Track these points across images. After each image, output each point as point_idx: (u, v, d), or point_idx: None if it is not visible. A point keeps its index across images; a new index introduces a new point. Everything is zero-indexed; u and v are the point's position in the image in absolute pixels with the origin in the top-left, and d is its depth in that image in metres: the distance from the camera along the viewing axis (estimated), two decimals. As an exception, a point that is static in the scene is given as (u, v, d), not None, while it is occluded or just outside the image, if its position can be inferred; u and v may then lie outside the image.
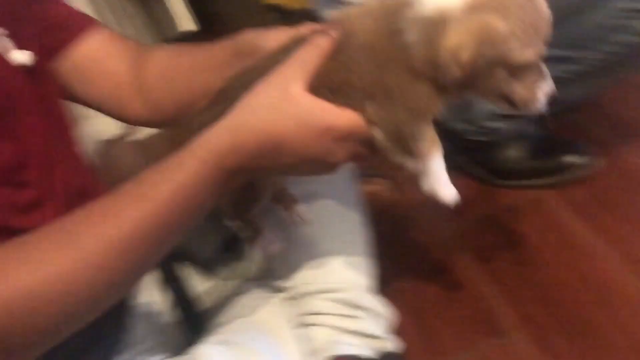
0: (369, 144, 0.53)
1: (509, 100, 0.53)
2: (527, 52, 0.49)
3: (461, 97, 0.54)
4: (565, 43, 0.87)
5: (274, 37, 0.59)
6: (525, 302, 0.82)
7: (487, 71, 0.50)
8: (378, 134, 0.52)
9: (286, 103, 0.50)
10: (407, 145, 0.52)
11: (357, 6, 0.56)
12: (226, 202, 0.62)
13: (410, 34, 0.49)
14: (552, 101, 0.53)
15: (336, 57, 0.52)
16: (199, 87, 0.63)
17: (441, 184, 0.53)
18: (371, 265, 0.70)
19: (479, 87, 0.52)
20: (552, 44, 0.51)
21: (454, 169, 1.09)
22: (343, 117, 0.51)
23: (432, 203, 0.53)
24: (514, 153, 1.01)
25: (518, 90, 0.51)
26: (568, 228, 0.90)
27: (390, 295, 0.73)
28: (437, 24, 0.48)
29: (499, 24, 0.47)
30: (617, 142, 1.02)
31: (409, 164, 0.54)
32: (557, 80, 0.53)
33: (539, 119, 1.00)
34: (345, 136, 0.51)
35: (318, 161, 0.52)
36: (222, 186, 0.50)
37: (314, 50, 0.53)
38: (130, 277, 0.49)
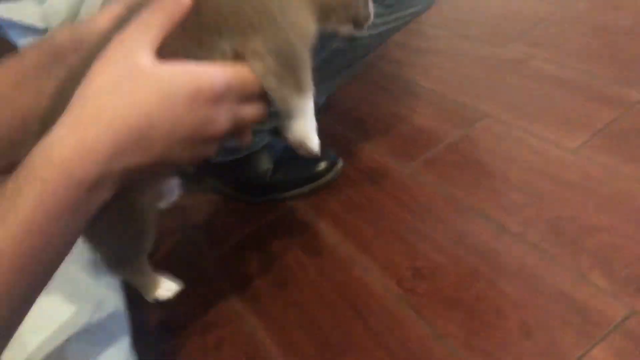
0: (253, 95, 0.47)
1: (355, 21, 0.56)
2: None
3: (324, 25, 0.53)
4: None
5: (103, 18, 0.48)
6: (287, 328, 0.78)
7: None
8: (261, 68, 0.46)
9: (138, 78, 0.41)
10: (296, 77, 0.48)
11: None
12: (105, 254, 0.55)
13: None
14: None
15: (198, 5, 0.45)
16: (15, 108, 0.49)
17: (312, 129, 0.51)
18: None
19: (342, 8, 0.54)
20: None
21: (211, 193, 1.05)
22: (211, 73, 0.43)
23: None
24: (261, 168, 0.98)
25: (362, 8, 0.55)
26: (323, 238, 0.90)
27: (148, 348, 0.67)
28: None
29: None
30: (358, 141, 1.06)
31: (293, 101, 0.49)
32: None
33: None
34: (220, 94, 0.43)
35: (197, 136, 0.44)
36: (85, 203, 0.40)
37: (158, 12, 0.44)
38: None
